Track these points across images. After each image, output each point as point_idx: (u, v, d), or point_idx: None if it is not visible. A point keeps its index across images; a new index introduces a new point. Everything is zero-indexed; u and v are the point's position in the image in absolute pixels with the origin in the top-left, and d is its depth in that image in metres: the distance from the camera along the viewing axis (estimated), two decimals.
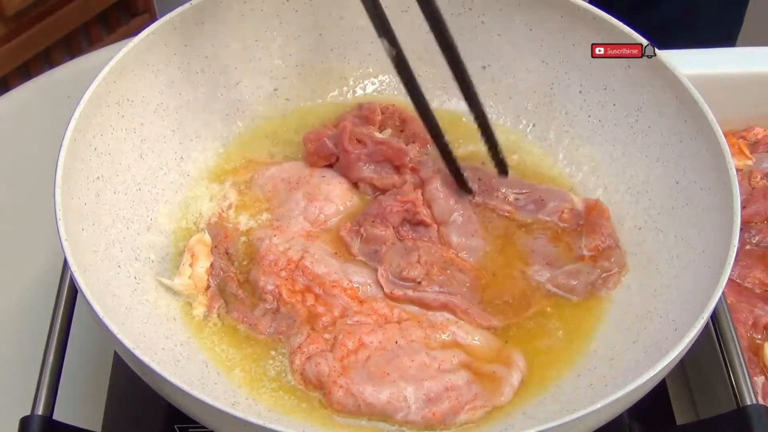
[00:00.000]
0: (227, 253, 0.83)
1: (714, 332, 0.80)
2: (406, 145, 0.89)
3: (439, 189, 0.85)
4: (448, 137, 0.85)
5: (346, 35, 0.95)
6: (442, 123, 0.84)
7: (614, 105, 0.90)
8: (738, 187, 0.76)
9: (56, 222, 0.72)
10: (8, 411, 0.76)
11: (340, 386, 0.73)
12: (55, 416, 0.73)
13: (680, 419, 0.87)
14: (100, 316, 0.67)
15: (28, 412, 0.73)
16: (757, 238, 0.95)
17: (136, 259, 0.81)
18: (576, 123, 0.93)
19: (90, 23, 1.90)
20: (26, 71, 1.81)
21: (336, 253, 0.83)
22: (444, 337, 0.77)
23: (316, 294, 0.79)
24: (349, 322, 0.77)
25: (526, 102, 0.95)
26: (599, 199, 0.87)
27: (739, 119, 1.05)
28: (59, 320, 0.77)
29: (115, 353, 0.82)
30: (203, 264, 0.81)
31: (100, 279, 0.75)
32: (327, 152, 0.88)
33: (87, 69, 0.83)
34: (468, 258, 0.84)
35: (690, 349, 0.70)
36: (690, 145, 0.83)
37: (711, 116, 0.80)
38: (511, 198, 0.87)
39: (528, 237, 0.86)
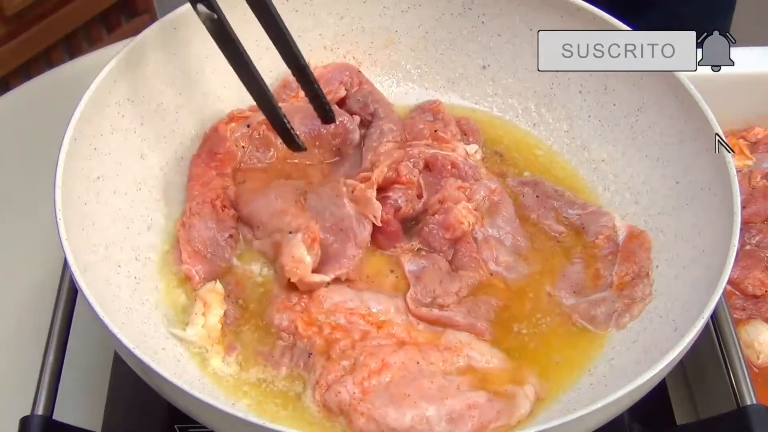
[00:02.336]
0: (239, 303, 0.81)
1: (714, 332, 0.80)
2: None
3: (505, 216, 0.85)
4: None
5: (346, 35, 0.95)
6: None
7: (614, 105, 0.90)
8: (738, 187, 0.76)
9: (56, 222, 0.71)
10: (8, 411, 0.76)
11: (362, 413, 0.71)
12: (55, 416, 0.73)
13: (680, 419, 0.87)
14: (100, 316, 0.67)
15: (28, 412, 0.72)
16: (757, 238, 0.95)
17: (136, 259, 0.81)
18: (576, 123, 0.93)
19: (90, 23, 1.91)
20: (26, 71, 1.81)
21: (348, 283, 0.81)
22: (460, 362, 0.76)
23: (333, 324, 0.77)
24: (371, 344, 0.76)
25: (526, 102, 0.95)
26: (645, 231, 0.84)
27: (739, 119, 1.05)
28: (59, 320, 0.77)
29: (115, 353, 0.82)
30: (217, 312, 0.79)
31: (100, 279, 0.75)
32: None
33: (87, 69, 0.83)
34: (507, 275, 0.83)
35: (690, 349, 0.70)
36: (690, 145, 0.83)
37: (711, 116, 0.80)
38: (563, 215, 0.86)
39: (566, 260, 0.84)
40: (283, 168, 0.88)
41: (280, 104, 0.88)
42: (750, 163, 1.02)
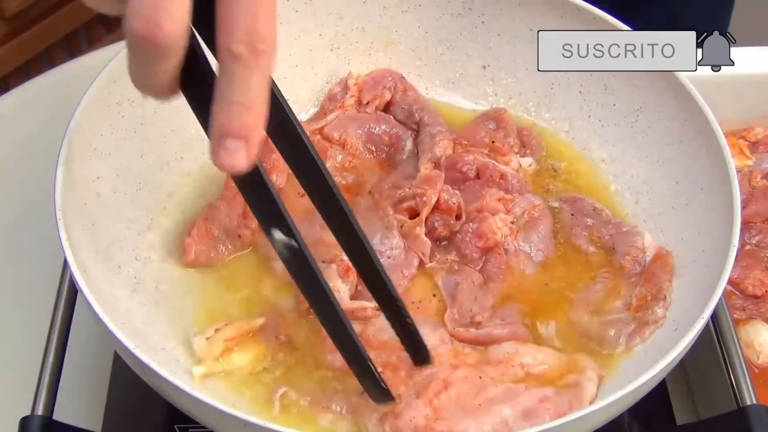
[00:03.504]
0: (289, 341, 0.76)
1: (714, 332, 0.80)
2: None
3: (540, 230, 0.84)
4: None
5: (346, 35, 0.95)
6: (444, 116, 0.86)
7: (614, 105, 0.90)
8: (738, 187, 0.76)
9: (56, 222, 0.71)
10: (8, 411, 0.76)
11: None
12: (55, 416, 0.73)
13: (680, 419, 0.87)
14: (100, 316, 0.67)
15: (28, 412, 0.72)
16: (757, 238, 0.95)
17: (136, 259, 0.81)
18: (576, 123, 0.93)
19: (90, 23, 1.91)
20: (26, 71, 1.81)
21: None
22: (517, 372, 0.75)
23: (384, 362, 0.74)
24: (424, 374, 0.73)
25: (526, 102, 0.95)
26: (670, 253, 0.82)
27: (739, 119, 1.05)
28: (59, 320, 0.77)
29: (115, 353, 0.82)
30: (246, 355, 0.75)
31: (100, 279, 0.75)
32: None
33: (87, 69, 0.83)
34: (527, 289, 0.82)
35: (690, 349, 0.70)
36: (690, 145, 0.83)
37: (711, 116, 0.80)
38: (597, 235, 0.84)
39: (591, 280, 0.82)
40: (340, 174, 0.88)
41: (327, 118, 0.89)
42: (750, 163, 1.02)
